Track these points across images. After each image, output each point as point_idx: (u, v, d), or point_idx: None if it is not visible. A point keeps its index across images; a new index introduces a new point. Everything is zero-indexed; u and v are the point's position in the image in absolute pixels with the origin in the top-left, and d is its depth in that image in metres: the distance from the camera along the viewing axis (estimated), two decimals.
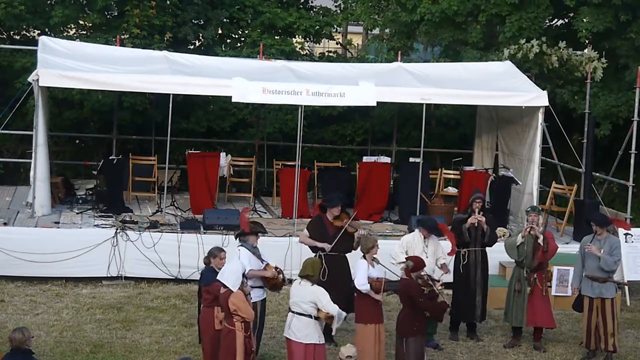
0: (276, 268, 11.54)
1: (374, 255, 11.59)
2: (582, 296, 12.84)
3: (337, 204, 12.73)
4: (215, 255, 11.27)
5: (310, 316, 10.60)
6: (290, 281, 11.08)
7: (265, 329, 12.23)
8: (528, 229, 12.98)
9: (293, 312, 10.73)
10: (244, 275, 10.66)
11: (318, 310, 10.57)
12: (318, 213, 12.98)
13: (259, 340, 11.77)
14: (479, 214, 13.35)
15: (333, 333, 11.15)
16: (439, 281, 11.61)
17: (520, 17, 20.58)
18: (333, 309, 10.53)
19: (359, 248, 11.94)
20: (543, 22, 20.93)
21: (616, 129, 20.47)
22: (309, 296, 10.60)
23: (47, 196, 16.78)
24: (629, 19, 20.19)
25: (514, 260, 13.37)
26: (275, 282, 11.52)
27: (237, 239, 11.66)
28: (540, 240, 12.94)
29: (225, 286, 10.37)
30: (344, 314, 10.76)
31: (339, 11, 24.76)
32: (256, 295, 11.47)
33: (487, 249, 13.54)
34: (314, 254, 12.60)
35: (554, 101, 19.01)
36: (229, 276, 10.42)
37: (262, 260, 11.57)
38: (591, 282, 12.66)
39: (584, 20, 20.32)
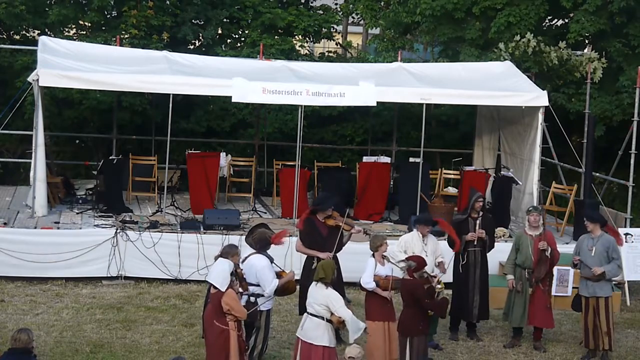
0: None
1: (384, 253, 11.61)
2: (579, 296, 12.89)
3: (328, 208, 12.66)
4: (235, 253, 11.21)
5: (322, 318, 10.57)
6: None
7: None
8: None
9: (307, 312, 10.73)
10: (232, 274, 10.61)
11: (331, 314, 10.55)
12: (307, 217, 12.78)
13: (265, 349, 11.70)
14: (479, 214, 13.35)
15: (350, 342, 10.77)
16: (435, 277, 11.64)
17: (509, 14, 20.57)
18: (346, 313, 10.49)
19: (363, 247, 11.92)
20: (534, 20, 20.85)
21: (612, 130, 20.46)
22: (323, 299, 10.56)
23: (46, 196, 16.76)
24: (624, 21, 20.18)
25: None
26: (288, 286, 11.47)
27: (260, 251, 11.47)
28: (547, 253, 12.94)
29: (214, 287, 10.38)
30: (363, 324, 10.65)
31: (339, 9, 24.69)
32: (263, 305, 11.40)
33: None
34: (314, 260, 12.52)
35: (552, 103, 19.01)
36: (217, 277, 10.40)
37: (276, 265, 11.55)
38: (586, 282, 12.72)
39: (578, 21, 20.28)
